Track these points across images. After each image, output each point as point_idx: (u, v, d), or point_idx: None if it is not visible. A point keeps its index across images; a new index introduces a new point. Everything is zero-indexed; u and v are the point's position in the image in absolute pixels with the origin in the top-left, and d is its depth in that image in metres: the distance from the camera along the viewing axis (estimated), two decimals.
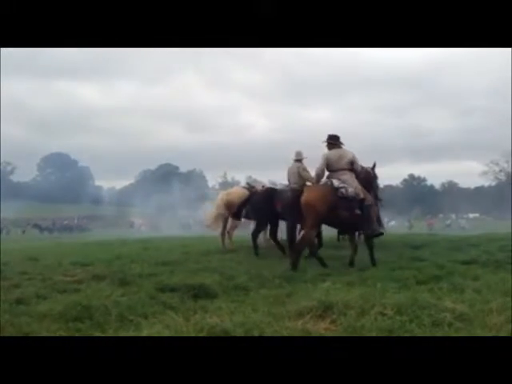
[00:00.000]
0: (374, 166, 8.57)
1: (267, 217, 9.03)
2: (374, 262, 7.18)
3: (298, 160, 9.02)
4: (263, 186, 11.18)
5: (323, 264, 7.11)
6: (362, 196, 7.23)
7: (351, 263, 7.28)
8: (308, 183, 8.49)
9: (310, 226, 7.13)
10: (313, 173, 8.15)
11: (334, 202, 7.03)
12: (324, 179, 7.54)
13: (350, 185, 7.21)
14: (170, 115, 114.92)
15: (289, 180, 9.07)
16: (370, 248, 7.34)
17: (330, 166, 7.49)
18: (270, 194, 9.08)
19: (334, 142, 7.63)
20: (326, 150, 7.68)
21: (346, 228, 7.72)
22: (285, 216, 8.69)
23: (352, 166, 7.50)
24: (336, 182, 7.17)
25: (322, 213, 7.04)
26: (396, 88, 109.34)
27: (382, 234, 7.73)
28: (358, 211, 7.19)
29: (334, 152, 7.53)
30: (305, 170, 8.91)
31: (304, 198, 7.10)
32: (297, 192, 7.49)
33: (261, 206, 8.95)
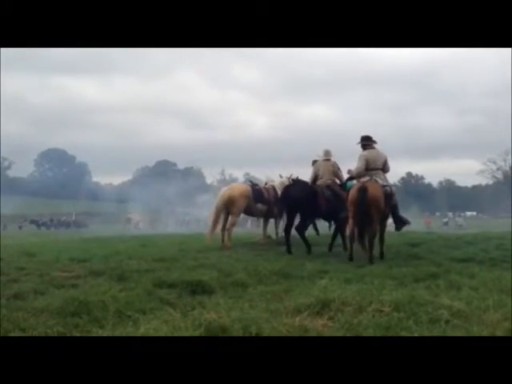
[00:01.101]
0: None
1: (311, 210, 8.94)
2: (372, 260, 7.25)
3: (327, 159, 9.30)
4: (266, 183, 11.21)
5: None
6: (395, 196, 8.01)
7: (382, 256, 7.71)
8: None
9: (377, 220, 7.55)
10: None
11: (385, 199, 7.57)
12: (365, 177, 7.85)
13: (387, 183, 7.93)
14: (168, 112, 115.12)
15: (318, 176, 9.25)
16: (372, 245, 7.57)
17: (367, 165, 7.93)
18: (309, 188, 9.10)
19: (367, 142, 8.11)
20: (361, 151, 8.12)
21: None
22: (328, 213, 8.90)
23: (384, 166, 8.07)
24: (380, 181, 7.73)
25: (383, 208, 7.54)
26: (396, 86, 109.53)
27: (409, 223, 8.75)
28: (394, 209, 7.99)
29: (371, 152, 8.02)
30: (339, 169, 9.32)
31: (371, 195, 7.34)
32: (363, 189, 7.46)
33: (304, 199, 8.74)
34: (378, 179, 7.72)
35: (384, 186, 7.70)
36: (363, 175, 7.82)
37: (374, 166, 7.92)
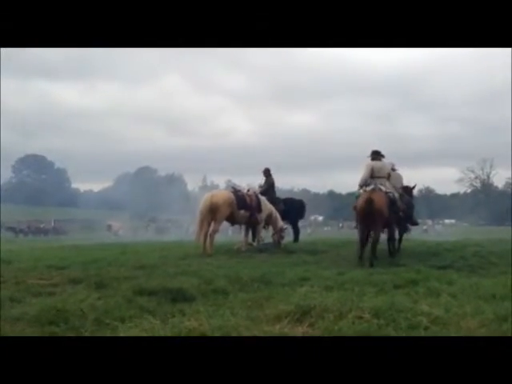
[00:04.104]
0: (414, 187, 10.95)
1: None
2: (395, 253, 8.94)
3: (393, 169, 9.83)
4: (249, 190, 11.26)
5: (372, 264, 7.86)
6: (399, 201, 8.80)
7: (391, 254, 9.06)
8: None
9: (380, 228, 8.50)
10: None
11: (389, 206, 8.33)
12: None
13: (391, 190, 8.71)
14: (151, 118, 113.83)
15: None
16: (400, 241, 9.45)
17: (373, 174, 8.85)
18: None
19: (376, 155, 9.13)
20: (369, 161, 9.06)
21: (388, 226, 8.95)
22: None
23: (389, 176, 9.08)
24: (383, 188, 8.56)
25: (387, 215, 8.29)
26: (380, 94, 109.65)
27: (417, 223, 10.08)
28: (401, 213, 8.82)
29: (377, 163, 9.00)
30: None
31: (376, 205, 8.12)
32: (369, 200, 8.26)
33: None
34: (381, 187, 8.51)
35: (387, 193, 8.48)
36: (369, 183, 8.66)
37: (379, 175, 8.81)
